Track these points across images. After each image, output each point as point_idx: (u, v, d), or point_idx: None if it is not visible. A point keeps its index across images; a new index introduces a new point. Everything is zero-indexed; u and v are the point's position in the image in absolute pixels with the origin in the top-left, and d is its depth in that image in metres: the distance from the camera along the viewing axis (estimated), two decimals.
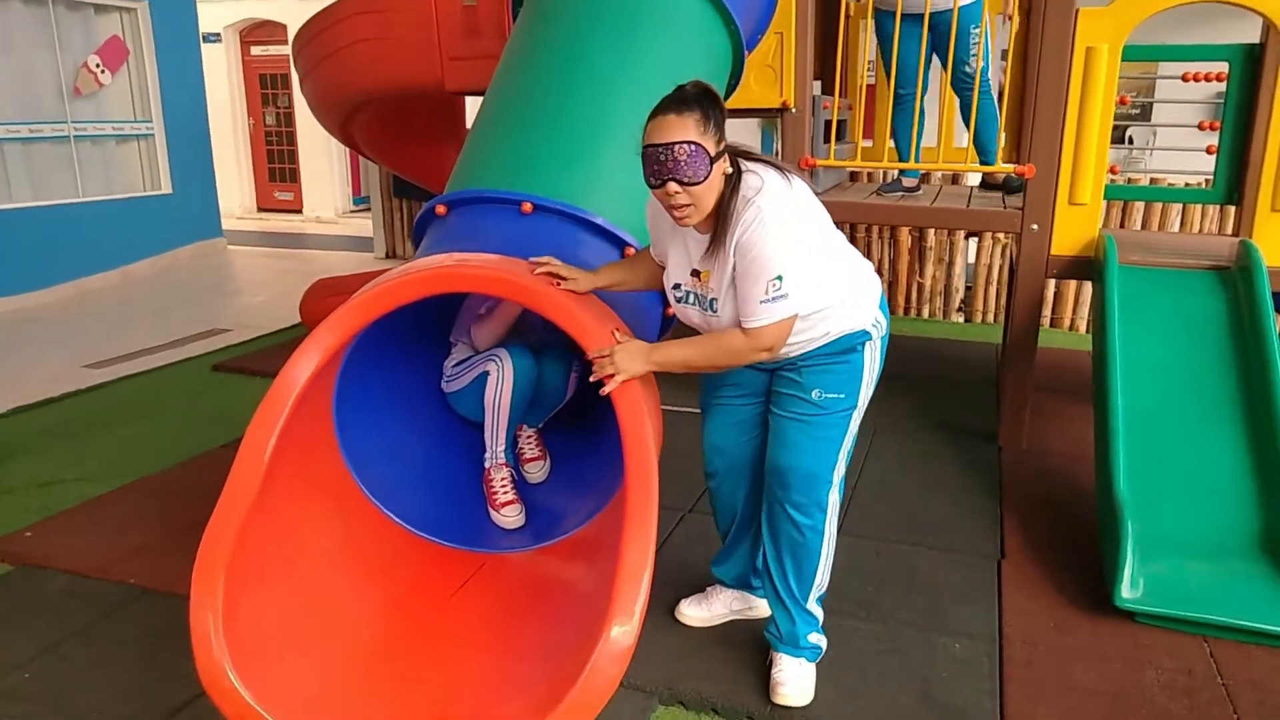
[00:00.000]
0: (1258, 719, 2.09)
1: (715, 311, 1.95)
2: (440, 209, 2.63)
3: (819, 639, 2.19)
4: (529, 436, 2.89)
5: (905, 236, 6.02)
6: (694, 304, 2.00)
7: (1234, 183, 3.99)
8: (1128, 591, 2.41)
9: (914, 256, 6.06)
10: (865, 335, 2.02)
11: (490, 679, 1.97)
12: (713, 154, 1.80)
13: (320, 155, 11.11)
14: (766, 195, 1.83)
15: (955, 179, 4.95)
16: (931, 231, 5.93)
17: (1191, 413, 2.87)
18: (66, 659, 2.32)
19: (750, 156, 1.92)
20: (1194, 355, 3.00)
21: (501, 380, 2.63)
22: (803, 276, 1.83)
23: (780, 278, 1.80)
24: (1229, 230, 5.24)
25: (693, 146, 1.78)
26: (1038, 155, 3.42)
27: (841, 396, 2.03)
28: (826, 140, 3.88)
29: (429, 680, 1.98)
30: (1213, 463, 2.75)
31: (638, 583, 1.79)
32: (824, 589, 2.17)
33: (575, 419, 2.94)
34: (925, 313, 6.12)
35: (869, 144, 4.10)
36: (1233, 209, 4.17)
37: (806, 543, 2.10)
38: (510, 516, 2.63)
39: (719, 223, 1.87)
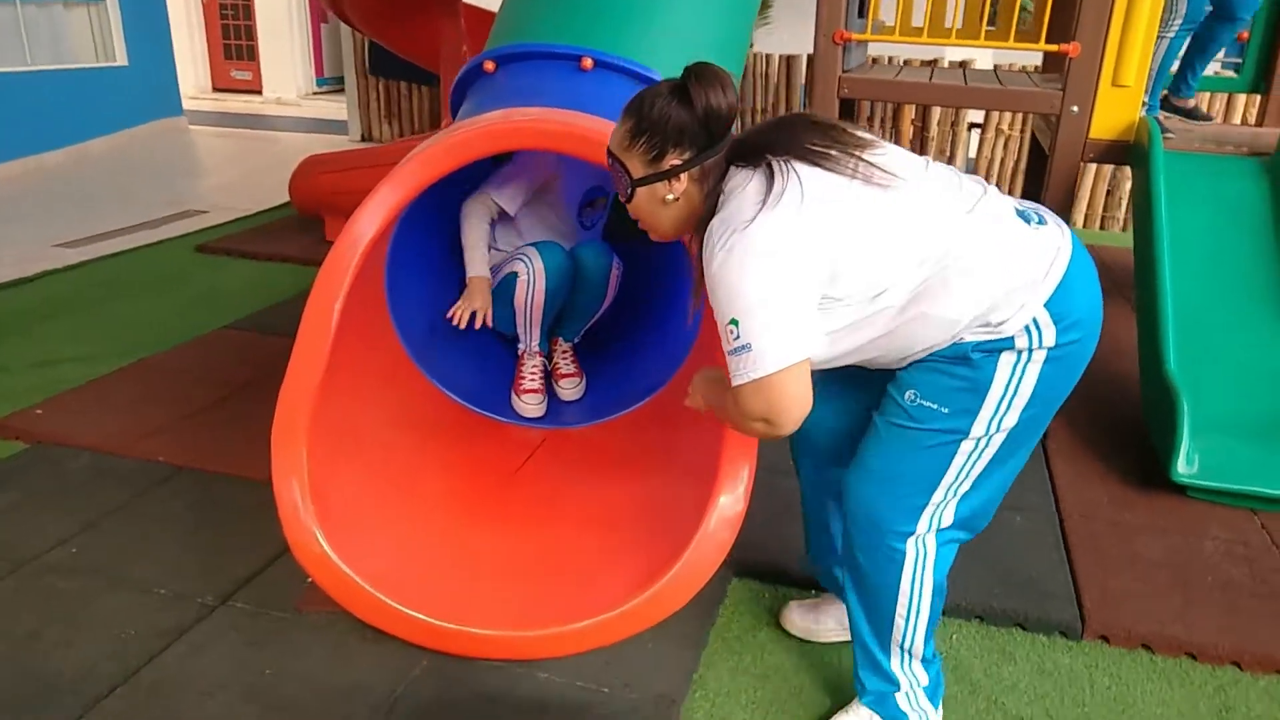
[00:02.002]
0: None
1: None
2: (489, 65, 2.45)
3: (909, 710, 1.64)
4: (564, 351, 2.74)
5: (907, 127, 5.90)
6: None
7: (1263, 71, 3.95)
8: (1184, 467, 2.44)
9: (915, 147, 5.96)
10: (1004, 344, 1.38)
11: (586, 547, 1.93)
12: (635, 176, 1.45)
13: (280, 32, 10.50)
14: (724, 217, 1.36)
15: None
16: (935, 122, 5.83)
17: (1235, 296, 2.87)
18: (110, 535, 2.22)
19: (769, 151, 1.38)
20: (1237, 240, 2.99)
21: (532, 281, 2.47)
22: (774, 324, 1.31)
23: (735, 322, 1.32)
24: (1252, 121, 5.21)
25: (612, 161, 1.48)
26: (1084, 33, 3.30)
27: (943, 411, 1.43)
28: (861, 14, 3.72)
29: (518, 553, 1.93)
30: (1257, 345, 2.77)
31: (745, 451, 1.75)
32: (917, 651, 1.61)
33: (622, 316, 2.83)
34: None
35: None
36: (1259, 98, 4.12)
37: (876, 587, 1.57)
38: (530, 405, 2.54)
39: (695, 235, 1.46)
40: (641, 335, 2.75)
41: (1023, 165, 5.82)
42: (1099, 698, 1.83)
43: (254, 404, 2.91)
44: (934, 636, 1.64)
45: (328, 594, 1.82)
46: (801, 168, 1.36)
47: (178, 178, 6.69)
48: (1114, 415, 3.02)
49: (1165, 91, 3.75)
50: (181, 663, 1.81)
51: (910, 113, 5.85)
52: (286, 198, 5.71)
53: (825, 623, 1.94)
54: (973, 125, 5.87)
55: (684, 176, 1.44)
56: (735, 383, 1.37)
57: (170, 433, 2.71)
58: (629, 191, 1.48)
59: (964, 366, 1.41)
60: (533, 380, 2.58)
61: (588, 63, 2.32)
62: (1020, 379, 1.40)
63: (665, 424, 2.34)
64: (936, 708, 1.67)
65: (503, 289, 2.52)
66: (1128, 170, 5.58)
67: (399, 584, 1.76)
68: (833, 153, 1.37)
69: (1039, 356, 1.39)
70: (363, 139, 7.54)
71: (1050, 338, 1.38)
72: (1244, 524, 2.40)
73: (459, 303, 2.46)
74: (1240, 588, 2.13)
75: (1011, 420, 1.44)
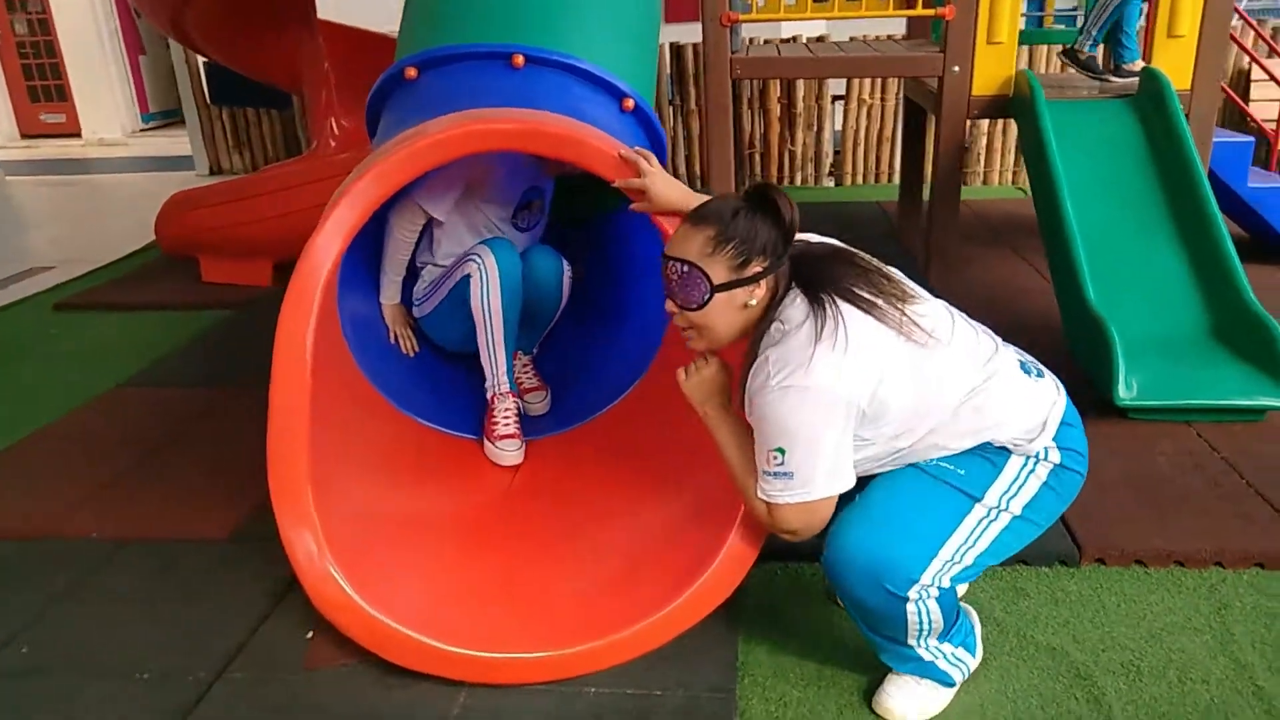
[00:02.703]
0: (1262, 479, 2.33)
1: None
2: (410, 71, 2.33)
3: (946, 666, 1.65)
4: (524, 365, 2.64)
5: (774, 105, 6.04)
6: None
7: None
8: (1124, 392, 2.60)
9: (784, 125, 6.11)
10: (1014, 451, 1.55)
11: (607, 557, 1.87)
12: (717, 282, 1.50)
13: (93, 68, 9.73)
14: (782, 352, 1.46)
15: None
16: (800, 96, 5.99)
17: (1132, 226, 3.08)
18: (62, 625, 1.99)
19: (825, 287, 1.49)
20: (1122, 175, 3.20)
21: (487, 280, 2.33)
22: (817, 464, 1.46)
23: (781, 450, 1.47)
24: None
25: (685, 268, 1.51)
26: None
27: (960, 472, 1.53)
28: None
29: (536, 572, 1.85)
30: (1159, 269, 2.98)
31: None
32: (942, 630, 1.59)
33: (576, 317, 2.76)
34: (798, 180, 6.23)
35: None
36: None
37: (881, 622, 1.58)
38: (509, 453, 2.35)
39: (749, 350, 1.55)
40: (598, 336, 2.69)
41: (887, 133, 6.07)
42: (1113, 616, 1.92)
43: (179, 460, 2.69)
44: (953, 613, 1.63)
45: (343, 645, 1.70)
46: (852, 312, 1.48)
47: (9, 235, 6.10)
48: (1038, 352, 3.17)
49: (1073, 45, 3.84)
50: None
51: (776, 90, 5.99)
52: (139, 244, 5.35)
53: None
54: (836, 98, 6.07)
55: (763, 283, 1.52)
56: (775, 500, 1.51)
57: (97, 504, 2.47)
58: (706, 297, 1.51)
59: (980, 453, 1.55)
60: (507, 424, 2.36)
61: (519, 59, 2.25)
62: (1030, 474, 1.56)
63: (643, 418, 2.31)
64: (974, 652, 1.72)
65: (455, 300, 2.40)
66: (983, 126, 5.93)
67: (428, 621, 1.65)
68: (879, 303, 1.50)
69: (1044, 468, 1.56)
70: (211, 173, 7.09)
71: (1056, 457, 1.56)
72: (1184, 436, 2.57)
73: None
74: (1200, 495, 2.29)
75: (1019, 504, 1.55)
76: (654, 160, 1.93)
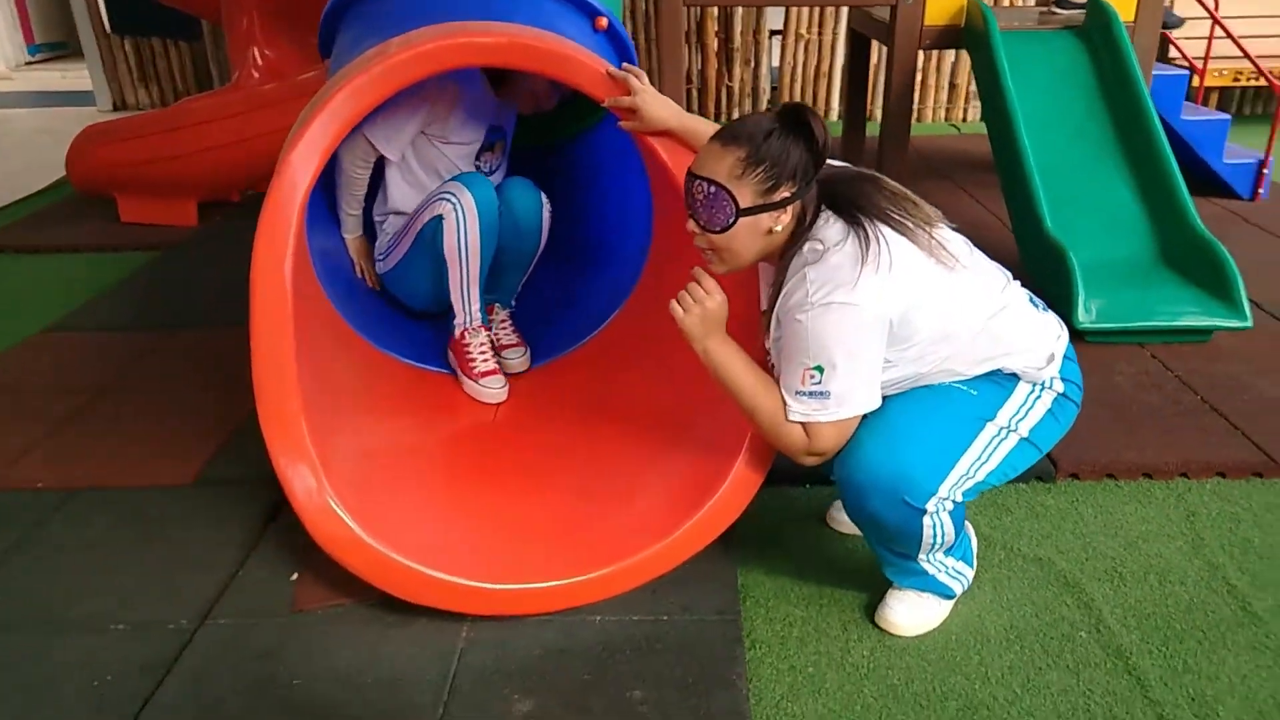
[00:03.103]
0: (1215, 395, 2.43)
1: (773, 363, 1.61)
2: None
3: (947, 579, 1.68)
4: (502, 320, 2.44)
5: (711, 40, 5.95)
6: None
7: None
8: (1084, 316, 2.67)
9: (721, 60, 6.03)
10: (1022, 377, 1.58)
11: (603, 486, 1.84)
12: (743, 205, 1.46)
13: None
14: (823, 271, 1.45)
15: None
16: (738, 32, 5.91)
17: (1083, 157, 3.15)
18: (16, 579, 1.87)
19: (861, 209, 1.49)
20: (1073, 106, 3.26)
21: (464, 219, 2.15)
22: (855, 381, 1.47)
23: (820, 369, 1.45)
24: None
25: (712, 189, 1.47)
26: None
27: (972, 394, 1.55)
28: None
29: (535, 504, 1.81)
30: (1111, 198, 3.06)
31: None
32: (951, 544, 1.62)
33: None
34: (735, 117, 6.19)
35: None
36: None
37: (895, 537, 1.59)
38: (492, 389, 2.23)
39: (779, 273, 1.54)
40: (568, 272, 2.62)
41: (824, 68, 6.05)
42: (1091, 526, 1.99)
43: (123, 407, 2.54)
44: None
45: (334, 585, 1.64)
46: (889, 233, 1.48)
47: None
48: None
49: None
50: (189, 696, 1.56)
51: (713, 25, 5.89)
52: (43, 183, 4.98)
53: None
54: (773, 33, 6.01)
55: (790, 209, 1.49)
56: (813, 419, 1.49)
57: (40, 453, 2.31)
58: (731, 220, 1.48)
59: (991, 378, 1.57)
60: (485, 360, 2.24)
61: None
62: (1036, 400, 1.59)
63: (625, 347, 2.27)
64: (971, 565, 1.75)
65: (421, 247, 2.24)
66: (918, 62, 5.95)
67: (433, 554, 1.60)
68: (910, 225, 1.50)
69: (1049, 395, 1.60)
70: (115, 108, 6.65)
71: (1059, 387, 1.61)
72: (1139, 357, 2.66)
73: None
74: (1161, 411, 2.38)
75: (1026, 426, 1.58)
76: (644, 78, 1.86)
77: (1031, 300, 1.66)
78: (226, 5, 4.44)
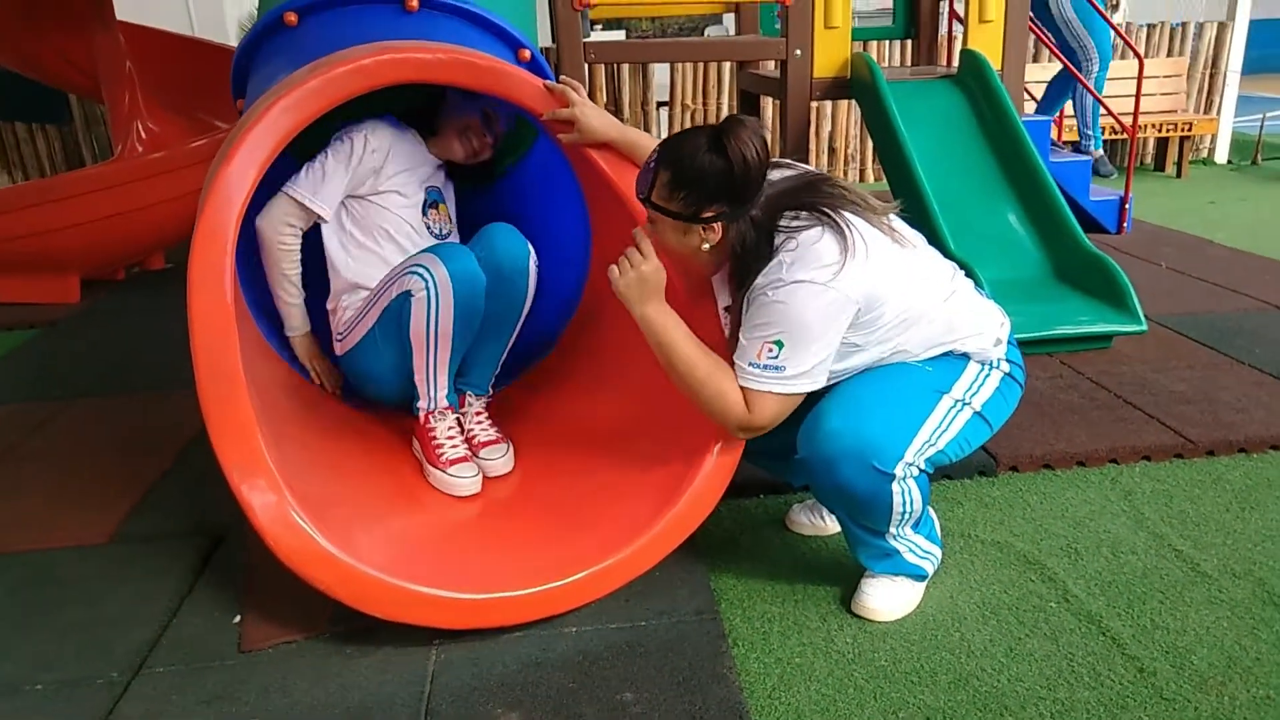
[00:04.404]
0: (1126, 391, 2.57)
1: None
2: (290, 17, 2.16)
3: (917, 559, 1.68)
4: (479, 413, 2.09)
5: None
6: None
7: (910, 19, 4.61)
8: None
9: None
10: (972, 358, 1.64)
11: (566, 496, 1.78)
12: (672, 210, 1.52)
13: None
14: (802, 253, 1.49)
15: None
16: (626, 103, 6.10)
17: (972, 190, 3.34)
18: None
19: (826, 205, 1.52)
20: (958, 145, 3.47)
21: (435, 298, 1.83)
22: (811, 361, 1.49)
23: (780, 344, 1.48)
24: (909, 62, 5.92)
25: (649, 207, 1.55)
26: None
27: (927, 370, 1.60)
28: None
29: (502, 515, 1.74)
30: (1003, 225, 3.25)
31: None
32: (919, 518, 1.65)
33: None
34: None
35: None
36: (910, 43, 4.81)
37: (866, 509, 1.60)
38: (465, 480, 1.89)
39: (734, 276, 1.58)
40: None
41: None
42: (1039, 512, 2.05)
43: (23, 473, 2.33)
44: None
45: (284, 622, 1.51)
46: (857, 221, 1.53)
47: None
48: None
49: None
50: None
51: (602, 97, 6.07)
52: None
53: (831, 519, 1.95)
54: (660, 104, 6.23)
55: (718, 226, 1.52)
56: (760, 388, 1.52)
57: None
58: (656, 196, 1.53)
59: (944, 357, 1.63)
60: (454, 446, 1.94)
61: (413, 3, 2.14)
62: (986, 377, 1.65)
63: (584, 356, 2.23)
64: (939, 544, 1.76)
65: (388, 327, 1.93)
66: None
67: (399, 566, 1.50)
68: (868, 216, 1.56)
69: (997, 374, 1.66)
70: None
71: (1005, 368, 1.67)
72: (1050, 364, 2.80)
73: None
74: (1080, 408, 2.49)
75: (979, 401, 1.63)
76: (582, 90, 1.89)
77: (977, 288, 1.74)
78: (107, 82, 4.30)
